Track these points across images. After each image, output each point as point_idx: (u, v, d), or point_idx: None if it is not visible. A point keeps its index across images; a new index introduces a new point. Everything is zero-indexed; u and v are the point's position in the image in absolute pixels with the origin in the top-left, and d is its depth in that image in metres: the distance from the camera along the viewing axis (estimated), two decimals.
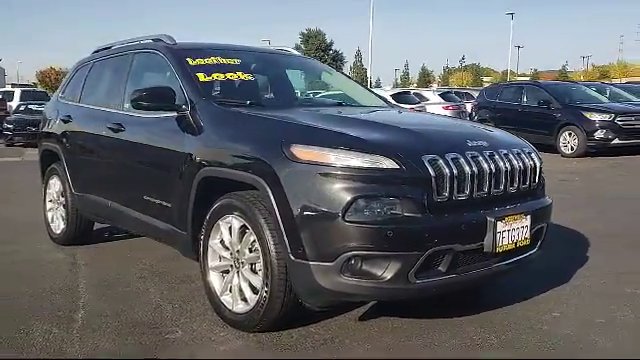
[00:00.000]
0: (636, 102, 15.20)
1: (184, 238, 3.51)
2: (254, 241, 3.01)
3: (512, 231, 2.93)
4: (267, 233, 2.89)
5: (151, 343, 3.01)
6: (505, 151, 3.08)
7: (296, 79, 4.50)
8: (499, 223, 2.86)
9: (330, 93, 4.81)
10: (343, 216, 2.64)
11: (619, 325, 3.22)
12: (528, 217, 3.03)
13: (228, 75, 3.84)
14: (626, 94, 16.33)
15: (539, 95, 13.64)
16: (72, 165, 4.79)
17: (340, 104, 4.09)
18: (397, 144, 2.83)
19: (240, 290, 3.13)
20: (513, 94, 14.49)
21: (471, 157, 2.88)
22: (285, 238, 2.80)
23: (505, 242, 2.91)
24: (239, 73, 3.91)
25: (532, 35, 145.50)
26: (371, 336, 3.08)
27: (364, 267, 2.70)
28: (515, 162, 3.07)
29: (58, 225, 5.17)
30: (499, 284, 3.79)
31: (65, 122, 4.88)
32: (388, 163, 2.69)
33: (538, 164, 3.25)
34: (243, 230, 3.09)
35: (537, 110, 13.33)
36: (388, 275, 2.69)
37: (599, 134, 12.25)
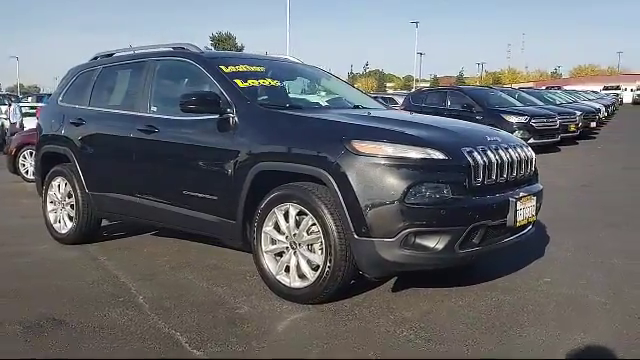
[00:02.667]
0: (542, 106, 16.90)
1: (233, 227, 3.92)
2: (313, 224, 3.50)
3: (525, 209, 3.63)
4: (328, 217, 3.40)
5: (228, 317, 3.42)
6: (513, 145, 3.78)
7: (304, 83, 5.01)
8: (518, 203, 3.54)
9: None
10: (403, 199, 3.21)
11: (598, 283, 4.00)
12: (534, 198, 3.75)
13: (261, 81, 4.29)
14: (532, 98, 18.05)
15: (462, 100, 14.83)
16: (86, 166, 5.00)
17: (357, 106, 4.63)
18: (441, 139, 3.45)
19: (298, 268, 3.61)
20: (438, 99, 15.61)
21: (494, 149, 3.55)
22: (349, 220, 3.32)
23: (521, 218, 3.59)
24: (269, 80, 4.37)
25: (432, 43, 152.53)
26: (410, 302, 3.66)
27: (419, 241, 3.28)
28: (521, 154, 3.78)
29: (63, 225, 5.33)
30: (492, 260, 4.49)
31: (77, 125, 5.08)
32: (438, 154, 3.29)
33: (534, 156, 3.97)
34: (300, 216, 3.58)
35: (460, 114, 14.47)
36: (439, 247, 3.29)
37: (517, 134, 13.53)
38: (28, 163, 10.36)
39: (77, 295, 3.86)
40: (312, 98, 4.88)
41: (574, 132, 15.81)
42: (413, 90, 29.42)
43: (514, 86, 40.67)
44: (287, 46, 35.96)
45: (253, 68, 4.44)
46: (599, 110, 21.30)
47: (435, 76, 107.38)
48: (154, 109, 4.54)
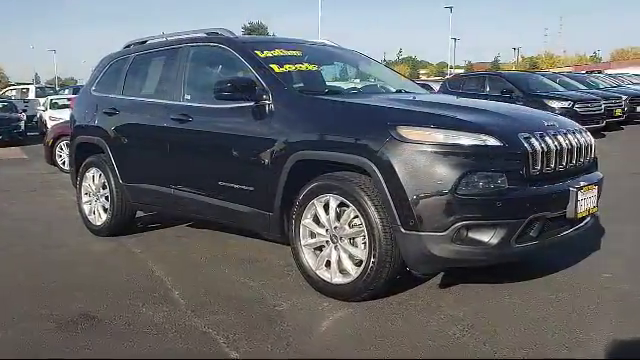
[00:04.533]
0: (585, 90, 16.26)
1: (270, 219, 3.73)
2: (355, 217, 3.29)
3: (587, 200, 3.34)
4: (372, 209, 3.17)
5: (266, 315, 3.24)
6: (572, 130, 3.48)
7: (342, 68, 4.79)
8: (579, 193, 3.25)
9: None
10: (455, 190, 2.96)
11: None
12: (596, 188, 3.45)
13: (297, 66, 4.08)
14: (574, 82, 17.40)
15: (501, 85, 14.35)
16: (120, 156, 4.89)
17: (400, 91, 4.37)
18: (495, 124, 3.18)
19: (339, 263, 3.40)
20: (476, 84, 15.14)
21: (552, 134, 3.27)
22: (395, 212, 3.09)
23: (582, 209, 3.31)
24: (305, 64, 4.16)
25: (466, 28, 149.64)
26: (459, 300, 3.41)
27: (472, 235, 3.03)
28: (580, 139, 3.48)
29: (98, 217, 5.24)
30: (546, 254, 4.16)
31: (110, 115, 4.96)
32: (492, 141, 3.03)
33: (593, 142, 3.67)
34: (341, 207, 3.36)
35: (500, 99, 14.02)
36: (494, 241, 3.03)
37: None
38: (65, 154, 10.41)
39: (111, 290, 3.73)
40: (350, 83, 4.65)
41: (620, 117, 15.16)
42: (447, 76, 28.75)
43: (552, 71, 39.37)
44: (319, 33, 35.64)
45: (289, 53, 4.23)
46: None
47: (469, 62, 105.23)
48: (188, 97, 4.37)
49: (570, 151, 3.35)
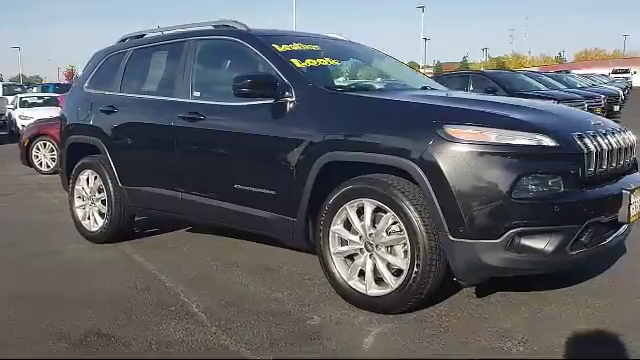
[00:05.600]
0: (565, 89, 16.37)
1: (294, 225, 3.47)
2: (394, 223, 3.04)
3: (638, 203, 3.15)
4: (415, 215, 2.93)
5: (301, 330, 2.98)
6: (617, 129, 3.31)
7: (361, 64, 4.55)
8: (632, 195, 3.07)
9: None
10: (510, 194, 2.74)
11: None
12: None
13: (319, 61, 3.82)
14: (555, 82, 17.51)
15: (485, 84, 14.25)
16: (120, 157, 4.55)
17: (425, 87, 4.13)
18: (549, 123, 2.98)
19: (374, 273, 3.15)
20: (459, 83, 15.00)
21: (603, 134, 3.08)
22: (442, 218, 2.85)
23: (634, 213, 3.12)
24: (327, 59, 3.90)
25: (435, 28, 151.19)
26: (503, 310, 3.19)
27: (526, 242, 2.81)
28: (626, 139, 3.30)
29: (93, 222, 4.89)
30: None
31: (108, 113, 4.61)
32: (548, 141, 2.82)
33: (635, 141, 3.49)
34: (376, 213, 3.12)
35: None
36: (550, 248, 2.82)
37: None
38: (41, 154, 9.93)
39: (121, 303, 3.42)
40: (371, 79, 4.40)
41: None
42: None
43: (530, 71, 39.72)
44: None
45: (308, 47, 3.97)
46: (619, 93, 20.74)
47: (438, 62, 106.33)
48: (197, 94, 4.06)
49: (619, 151, 3.17)
